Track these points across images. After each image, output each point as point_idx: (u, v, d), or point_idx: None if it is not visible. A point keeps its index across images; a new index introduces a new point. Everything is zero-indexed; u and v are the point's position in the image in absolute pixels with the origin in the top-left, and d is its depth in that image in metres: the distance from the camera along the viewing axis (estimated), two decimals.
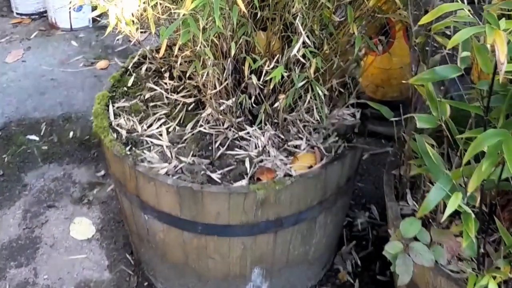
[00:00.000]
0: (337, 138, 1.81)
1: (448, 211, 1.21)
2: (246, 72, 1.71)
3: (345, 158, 1.72)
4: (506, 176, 1.27)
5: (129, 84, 2.07)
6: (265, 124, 1.82)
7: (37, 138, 2.68)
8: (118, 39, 3.53)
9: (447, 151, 1.43)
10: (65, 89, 3.06)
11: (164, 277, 1.93)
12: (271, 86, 1.66)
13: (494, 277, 1.27)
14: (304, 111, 1.81)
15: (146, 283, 1.99)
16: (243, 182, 1.67)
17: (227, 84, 1.77)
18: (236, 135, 1.82)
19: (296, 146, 1.79)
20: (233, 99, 1.79)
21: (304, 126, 1.84)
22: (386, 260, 1.98)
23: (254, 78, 1.69)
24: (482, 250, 1.33)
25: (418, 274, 1.43)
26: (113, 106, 1.96)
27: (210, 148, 1.81)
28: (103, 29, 3.65)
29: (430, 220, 1.47)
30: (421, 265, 1.38)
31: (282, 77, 1.66)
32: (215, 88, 1.78)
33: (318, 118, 1.80)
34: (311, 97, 1.75)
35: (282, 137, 1.81)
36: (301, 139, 1.81)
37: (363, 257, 2.04)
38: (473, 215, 1.24)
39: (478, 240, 1.32)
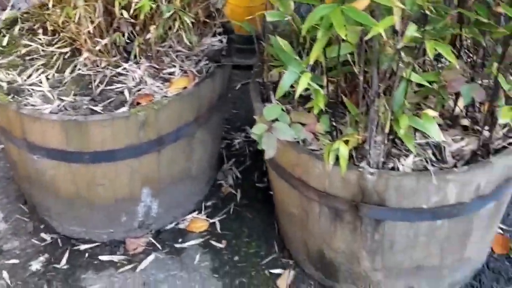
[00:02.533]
0: (207, 62, 1.99)
1: (300, 88, 1.42)
2: (117, 10, 1.85)
3: (215, 76, 1.92)
4: (346, 56, 1.51)
5: (4, 44, 2.13)
6: (140, 58, 1.97)
7: None
8: None
9: (297, 48, 1.65)
10: None
11: (58, 214, 2.02)
12: (141, 17, 1.81)
13: (347, 143, 1.51)
14: (175, 41, 1.98)
15: (42, 226, 2.08)
16: (124, 108, 1.82)
17: (100, 24, 1.90)
18: (114, 72, 1.96)
19: (171, 74, 1.96)
20: (108, 38, 1.92)
21: (177, 56, 2.01)
22: (263, 171, 2.22)
23: (125, 13, 1.83)
24: (334, 124, 1.56)
25: (283, 157, 1.65)
26: None
27: (90, 87, 1.93)
28: None
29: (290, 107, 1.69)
30: (287, 149, 1.60)
31: (151, 9, 1.82)
32: (89, 30, 1.91)
33: (190, 45, 1.98)
34: (179, 27, 1.92)
35: (158, 67, 1.97)
36: (175, 66, 1.97)
37: (243, 171, 2.26)
38: (322, 91, 1.47)
39: (330, 116, 1.55)
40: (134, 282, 1.90)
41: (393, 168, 1.57)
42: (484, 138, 1.61)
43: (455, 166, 1.57)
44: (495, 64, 1.46)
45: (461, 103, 1.61)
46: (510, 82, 1.52)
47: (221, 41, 2.10)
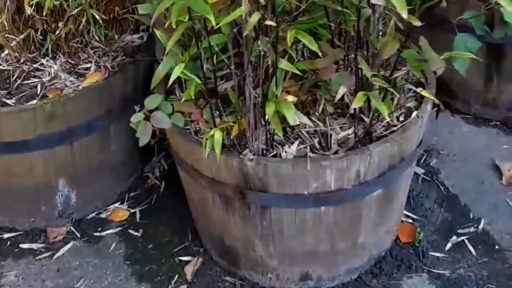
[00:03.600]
0: (124, 58, 2.06)
1: (172, 78, 1.48)
2: (26, 7, 1.92)
3: (127, 71, 1.98)
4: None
5: None
6: (57, 54, 2.05)
7: None
8: None
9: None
10: None
11: None
12: (44, 13, 1.88)
13: (227, 131, 1.57)
14: (89, 37, 2.05)
15: None
16: (34, 101, 1.89)
17: (13, 20, 1.98)
18: (31, 68, 2.03)
19: (86, 69, 2.03)
20: (23, 35, 2.00)
21: (94, 52, 2.08)
22: None
23: (29, 9, 1.89)
24: (215, 113, 1.61)
25: (178, 146, 1.71)
26: None
27: (8, 81, 2.01)
28: None
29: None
30: (178, 138, 1.66)
31: (60, 5, 1.90)
32: (5, 28, 1.99)
33: (109, 42, 2.05)
34: (90, 23, 1.98)
35: (73, 62, 2.04)
36: (91, 62, 2.04)
37: (171, 163, 2.30)
38: (197, 80, 1.52)
39: (211, 106, 1.60)
40: (49, 268, 1.97)
41: (275, 155, 1.62)
42: (367, 126, 1.65)
43: (336, 152, 1.61)
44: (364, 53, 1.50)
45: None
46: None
47: (142, 37, 2.16)
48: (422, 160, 2.23)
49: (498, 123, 2.38)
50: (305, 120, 1.53)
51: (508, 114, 2.35)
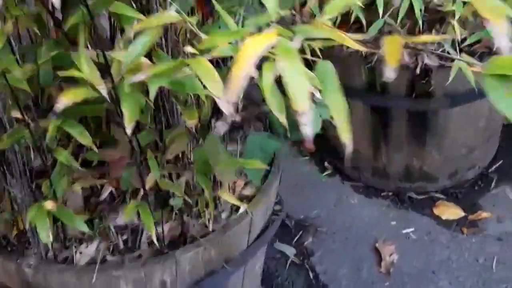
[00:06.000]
0: None
1: None
2: None
3: None
4: None
5: None
6: None
7: None
8: None
9: None
10: None
11: None
12: None
13: None
14: None
15: None
16: None
17: None
18: None
19: None
20: None
21: None
22: None
23: None
24: None
25: None
26: None
27: None
28: None
29: None
30: None
31: None
32: None
33: None
34: None
35: None
36: None
37: None
38: None
39: None
40: None
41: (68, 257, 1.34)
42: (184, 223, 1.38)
43: (139, 256, 1.34)
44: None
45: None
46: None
47: None
48: (295, 239, 1.95)
49: (390, 193, 2.11)
50: (84, 228, 1.23)
51: (399, 184, 2.08)
